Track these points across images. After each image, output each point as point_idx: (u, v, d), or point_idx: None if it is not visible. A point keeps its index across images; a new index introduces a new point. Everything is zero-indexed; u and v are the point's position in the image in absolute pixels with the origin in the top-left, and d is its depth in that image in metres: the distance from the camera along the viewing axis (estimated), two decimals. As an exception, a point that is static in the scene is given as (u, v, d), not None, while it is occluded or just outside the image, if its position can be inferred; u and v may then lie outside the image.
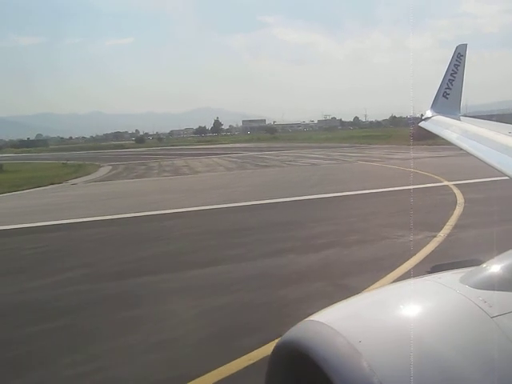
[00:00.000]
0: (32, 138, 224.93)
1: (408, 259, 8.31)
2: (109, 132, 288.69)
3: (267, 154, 49.34)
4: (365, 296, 1.70)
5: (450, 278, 1.67)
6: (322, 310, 1.59)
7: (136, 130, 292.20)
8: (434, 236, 10.02)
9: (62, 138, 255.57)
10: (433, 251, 8.88)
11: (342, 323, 1.46)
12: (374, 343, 1.35)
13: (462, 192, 15.72)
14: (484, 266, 1.71)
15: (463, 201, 14.21)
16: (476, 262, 1.81)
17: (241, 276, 8.30)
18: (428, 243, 9.43)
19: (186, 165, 40.36)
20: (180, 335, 5.96)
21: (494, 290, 1.54)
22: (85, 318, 6.76)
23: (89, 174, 36.50)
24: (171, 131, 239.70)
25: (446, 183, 18.57)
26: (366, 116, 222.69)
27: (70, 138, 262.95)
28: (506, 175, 3.35)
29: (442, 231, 10.48)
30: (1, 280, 9.19)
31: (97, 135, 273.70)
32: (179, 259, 9.79)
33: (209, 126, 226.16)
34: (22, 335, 6.26)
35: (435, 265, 2.23)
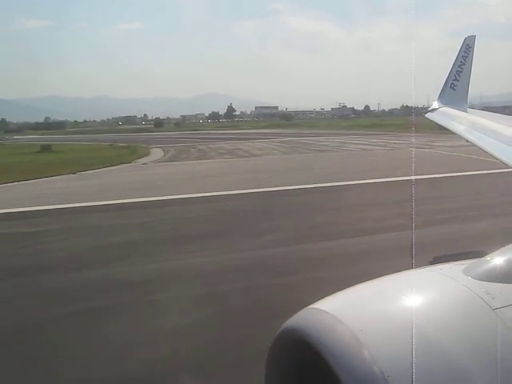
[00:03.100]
0: (41, 120, 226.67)
1: None
2: (116, 116, 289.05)
3: (306, 140, 50.38)
4: (367, 285, 1.70)
5: (453, 269, 1.68)
6: (325, 298, 1.60)
7: (144, 115, 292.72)
8: None
9: (76, 121, 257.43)
10: None
11: (344, 312, 1.48)
12: (375, 332, 1.37)
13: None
14: (487, 258, 1.72)
15: None
16: (479, 254, 1.84)
17: (431, 239, 9.63)
18: None
19: (237, 148, 41.58)
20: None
21: (496, 282, 1.54)
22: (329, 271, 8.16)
23: (146, 155, 37.66)
24: (183, 116, 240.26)
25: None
26: (379, 105, 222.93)
27: (85, 121, 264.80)
28: None
29: None
30: (207, 243, 10.48)
31: (108, 119, 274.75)
32: (349, 226, 11.18)
33: (216, 112, 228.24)
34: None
35: (438, 256, 2.17)
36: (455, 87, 6.69)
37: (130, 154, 38.34)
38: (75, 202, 15.87)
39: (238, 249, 9.62)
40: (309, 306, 1.56)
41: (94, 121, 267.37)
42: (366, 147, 38.11)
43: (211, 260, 8.93)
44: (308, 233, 10.76)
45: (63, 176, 25.29)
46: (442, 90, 6.80)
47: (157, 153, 39.77)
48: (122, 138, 66.54)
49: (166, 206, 15.15)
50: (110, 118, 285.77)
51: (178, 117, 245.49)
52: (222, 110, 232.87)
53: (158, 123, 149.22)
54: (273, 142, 49.26)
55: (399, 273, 1.71)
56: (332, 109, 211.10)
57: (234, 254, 9.22)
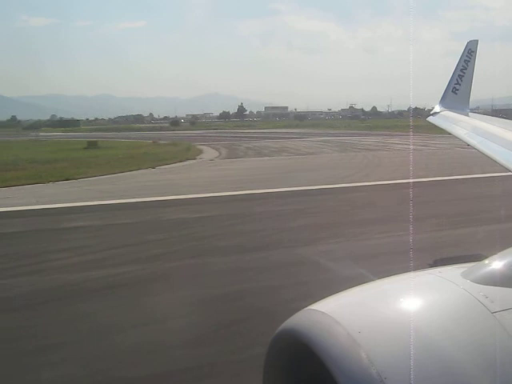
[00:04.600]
0: (45, 118, 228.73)
1: None
2: (120, 115, 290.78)
3: (342, 139, 51.72)
4: (366, 287, 1.73)
5: (451, 273, 1.71)
6: (323, 300, 1.63)
7: (150, 114, 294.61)
8: None
9: (88, 119, 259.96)
10: None
11: (342, 313, 1.51)
12: (373, 334, 1.40)
13: None
14: (486, 261, 1.74)
15: None
16: (478, 258, 1.87)
17: None
18: None
19: (283, 146, 42.89)
20: None
21: (495, 285, 1.57)
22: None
23: (201, 152, 38.59)
24: (194, 115, 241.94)
25: None
26: (389, 106, 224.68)
27: (96, 119, 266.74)
28: None
29: None
30: (385, 226, 12.12)
31: (115, 117, 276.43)
32: (476, 216, 12.76)
33: (227, 112, 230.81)
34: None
35: (437, 258, 2.29)
36: (457, 91, 6.80)
37: (185, 151, 39.16)
38: (200, 193, 17.46)
39: (423, 230, 10.97)
40: (307, 307, 1.59)
41: (103, 119, 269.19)
42: (410, 147, 39.16)
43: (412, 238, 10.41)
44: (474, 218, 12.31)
45: (145, 170, 26.47)
46: (444, 94, 6.92)
47: (208, 151, 40.72)
48: (152, 136, 67.02)
49: (299, 196, 16.64)
50: (116, 116, 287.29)
51: (183, 116, 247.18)
52: (228, 110, 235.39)
53: (174, 122, 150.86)
54: (311, 141, 50.59)
55: (398, 275, 1.76)
56: (342, 109, 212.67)
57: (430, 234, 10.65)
